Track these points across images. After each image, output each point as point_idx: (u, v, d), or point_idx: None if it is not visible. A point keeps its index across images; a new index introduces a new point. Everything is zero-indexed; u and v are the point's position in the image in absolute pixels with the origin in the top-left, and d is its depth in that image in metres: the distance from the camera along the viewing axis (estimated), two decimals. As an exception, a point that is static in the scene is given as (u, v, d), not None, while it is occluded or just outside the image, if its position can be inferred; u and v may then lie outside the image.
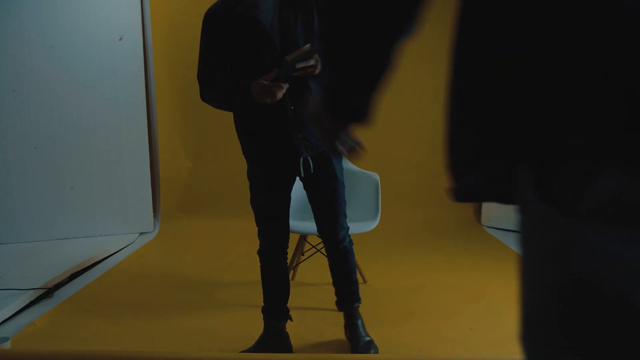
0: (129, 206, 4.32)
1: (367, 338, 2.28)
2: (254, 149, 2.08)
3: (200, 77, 2.01)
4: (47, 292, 2.97)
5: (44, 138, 4.08)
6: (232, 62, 1.97)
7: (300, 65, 1.78)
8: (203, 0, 4.51)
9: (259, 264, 2.25)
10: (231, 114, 2.11)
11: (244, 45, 1.93)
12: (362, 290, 2.95)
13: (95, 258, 3.65)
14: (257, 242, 2.22)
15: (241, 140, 2.11)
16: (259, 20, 1.90)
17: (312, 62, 1.79)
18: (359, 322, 2.34)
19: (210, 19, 1.98)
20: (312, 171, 2.06)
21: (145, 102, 4.33)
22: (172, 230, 4.41)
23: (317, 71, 1.82)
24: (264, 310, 2.28)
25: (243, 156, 2.16)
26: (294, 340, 2.33)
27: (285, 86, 1.83)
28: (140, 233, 4.37)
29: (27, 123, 4.03)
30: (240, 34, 1.93)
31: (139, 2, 4.29)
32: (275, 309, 2.27)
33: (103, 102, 4.20)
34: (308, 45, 1.82)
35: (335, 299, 2.36)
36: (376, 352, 2.24)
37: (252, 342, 2.30)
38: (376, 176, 3.04)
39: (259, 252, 2.24)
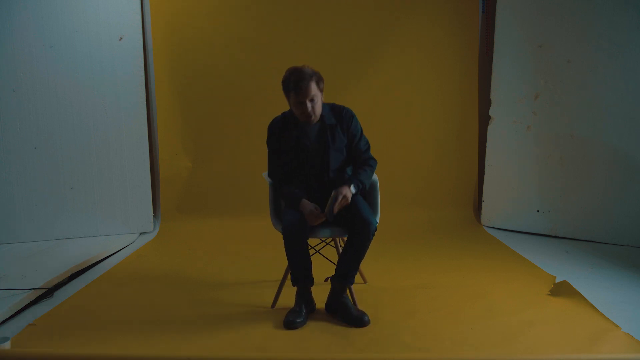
0: (129, 206, 4.32)
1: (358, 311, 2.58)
2: None
3: (272, 174, 2.75)
4: (47, 292, 2.97)
5: (44, 138, 4.08)
6: (288, 163, 2.67)
7: (337, 208, 2.49)
8: (203, 0, 4.54)
9: (284, 243, 2.54)
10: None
11: (295, 158, 2.66)
12: (362, 290, 2.97)
13: (95, 258, 3.65)
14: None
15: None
16: (306, 147, 2.65)
17: (340, 199, 2.47)
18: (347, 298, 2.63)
19: (275, 127, 2.69)
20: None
21: (145, 102, 4.33)
22: (172, 230, 4.41)
23: (349, 201, 2.51)
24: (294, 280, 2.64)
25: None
26: (293, 339, 2.35)
27: (323, 219, 2.54)
28: (140, 233, 4.37)
29: (27, 123, 4.04)
30: (292, 151, 2.66)
31: (139, 2, 4.30)
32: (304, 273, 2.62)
33: (103, 102, 4.20)
34: (333, 192, 2.49)
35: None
36: (369, 320, 2.51)
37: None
38: (375, 176, 3.03)
39: (287, 230, 2.52)
